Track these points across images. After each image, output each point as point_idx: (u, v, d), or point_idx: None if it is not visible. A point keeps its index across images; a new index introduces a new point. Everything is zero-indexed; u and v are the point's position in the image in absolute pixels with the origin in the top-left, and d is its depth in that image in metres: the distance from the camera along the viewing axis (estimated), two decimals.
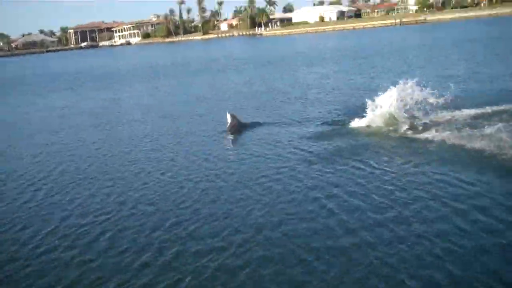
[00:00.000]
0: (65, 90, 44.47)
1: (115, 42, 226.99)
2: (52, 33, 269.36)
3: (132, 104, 31.69)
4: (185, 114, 25.20)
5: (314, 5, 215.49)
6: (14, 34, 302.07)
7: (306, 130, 19.09)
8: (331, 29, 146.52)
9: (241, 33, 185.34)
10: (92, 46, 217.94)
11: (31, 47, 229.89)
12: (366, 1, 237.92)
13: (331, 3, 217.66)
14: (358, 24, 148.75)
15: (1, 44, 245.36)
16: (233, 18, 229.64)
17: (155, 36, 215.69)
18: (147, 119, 24.91)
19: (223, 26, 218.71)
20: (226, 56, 71.88)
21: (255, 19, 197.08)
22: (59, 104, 34.52)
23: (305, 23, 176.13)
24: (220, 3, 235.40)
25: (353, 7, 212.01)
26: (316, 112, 22.82)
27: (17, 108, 34.89)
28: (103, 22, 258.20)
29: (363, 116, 18.68)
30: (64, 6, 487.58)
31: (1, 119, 30.34)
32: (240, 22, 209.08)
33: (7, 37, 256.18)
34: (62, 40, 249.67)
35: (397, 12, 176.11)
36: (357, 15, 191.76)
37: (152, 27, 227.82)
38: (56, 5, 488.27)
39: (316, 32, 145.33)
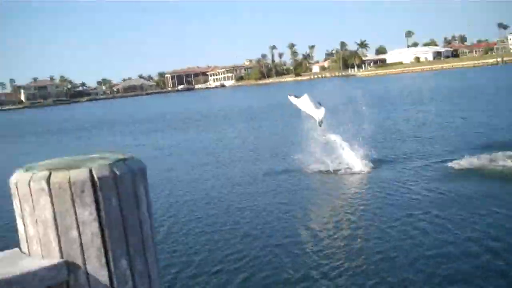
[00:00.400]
0: (170, 129, 45.25)
1: (210, 84, 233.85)
2: (150, 78, 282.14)
3: (238, 143, 31.32)
4: (294, 153, 24.35)
5: (408, 46, 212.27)
6: (115, 79, 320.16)
7: (429, 169, 17.84)
8: (428, 69, 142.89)
9: (333, 74, 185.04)
10: (188, 89, 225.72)
11: (130, 90, 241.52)
12: (462, 42, 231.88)
13: (425, 45, 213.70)
14: (457, 63, 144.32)
15: (104, 88, 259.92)
16: (324, 61, 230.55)
17: (248, 79, 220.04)
18: (258, 157, 24.33)
19: (315, 68, 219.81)
20: (321, 97, 71.05)
21: (347, 60, 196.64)
22: (167, 143, 34.92)
23: (400, 64, 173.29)
24: (311, 47, 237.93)
25: (449, 47, 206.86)
26: (435, 150, 21.53)
27: (126, 147, 35.58)
28: (197, 67, 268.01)
29: (489, 155, 17.50)
30: (161, 53, 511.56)
31: None
32: (332, 63, 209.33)
33: (109, 81, 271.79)
34: (160, 84, 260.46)
35: (497, 52, 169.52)
36: (454, 55, 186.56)
37: (245, 70, 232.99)
38: (153, 53, 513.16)
39: (412, 72, 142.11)
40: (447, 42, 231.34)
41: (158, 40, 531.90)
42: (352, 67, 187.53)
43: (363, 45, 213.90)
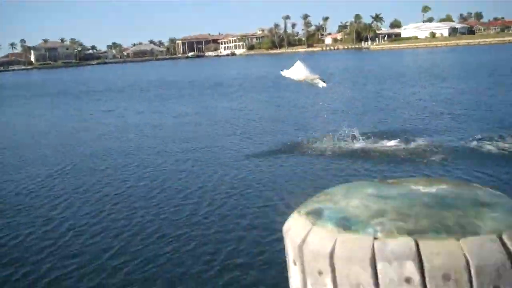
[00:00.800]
0: (185, 97, 44.51)
1: (220, 52, 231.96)
2: (160, 43, 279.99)
3: (256, 113, 30.45)
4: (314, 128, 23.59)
5: (423, 21, 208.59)
6: (126, 43, 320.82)
7: (463, 149, 16.96)
8: (443, 45, 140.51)
9: (346, 47, 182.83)
10: (198, 56, 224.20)
11: (141, 55, 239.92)
12: (478, 19, 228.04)
13: (441, 20, 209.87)
14: (473, 40, 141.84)
15: (114, 52, 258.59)
16: (338, 33, 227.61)
17: (259, 48, 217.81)
18: (280, 130, 23.61)
19: (328, 40, 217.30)
20: (337, 69, 69.80)
21: (360, 33, 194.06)
22: (183, 110, 34.21)
23: (414, 39, 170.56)
24: (325, 19, 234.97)
25: (465, 24, 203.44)
26: (466, 128, 20.71)
27: (143, 113, 34.92)
28: (209, 34, 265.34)
29: None
30: (172, 19, 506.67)
31: (146, 123, 30.23)
32: (345, 36, 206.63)
33: (119, 45, 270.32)
34: (170, 50, 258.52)
35: None
36: (470, 32, 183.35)
37: (257, 39, 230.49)
38: (165, 18, 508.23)
39: (427, 47, 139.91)
40: (463, 19, 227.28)
41: (170, 6, 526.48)
42: (366, 40, 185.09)
43: (378, 18, 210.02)
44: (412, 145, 17.97)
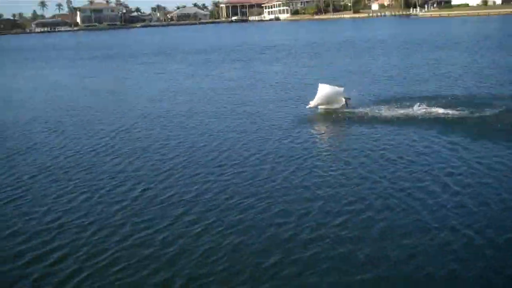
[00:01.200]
0: (235, 61, 44.06)
1: (264, 17, 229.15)
2: (204, 7, 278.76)
3: (311, 76, 29.82)
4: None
5: None
6: (169, 6, 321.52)
7: None
8: (496, 13, 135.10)
9: (393, 13, 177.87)
10: (242, 20, 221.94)
11: (184, 18, 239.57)
12: None
13: None
14: None
15: (158, 15, 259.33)
16: None
17: (304, 13, 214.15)
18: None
19: (374, 6, 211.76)
20: (386, 36, 67.83)
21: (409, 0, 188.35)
22: (234, 74, 33.88)
23: (465, 6, 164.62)
24: None
25: None
26: None
27: (194, 77, 34.71)
28: None
29: None
30: None
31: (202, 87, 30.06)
32: (393, 2, 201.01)
33: (163, 8, 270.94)
34: (214, 13, 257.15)
35: None
36: None
37: (301, 4, 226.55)
38: None
39: (478, 15, 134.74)
40: None
41: None
42: (414, 6, 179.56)
43: None
44: (480, 112, 17.20)
